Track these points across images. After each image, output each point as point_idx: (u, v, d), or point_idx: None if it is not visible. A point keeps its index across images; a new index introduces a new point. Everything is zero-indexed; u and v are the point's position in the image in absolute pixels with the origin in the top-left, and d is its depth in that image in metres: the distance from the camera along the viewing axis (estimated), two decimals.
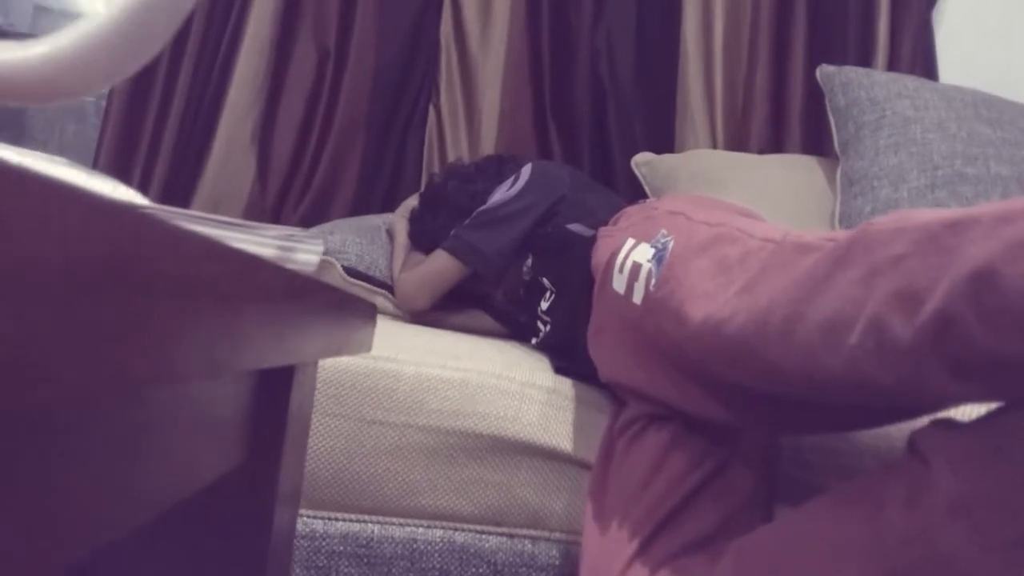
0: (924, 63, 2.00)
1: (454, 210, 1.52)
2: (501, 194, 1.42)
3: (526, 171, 1.44)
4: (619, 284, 0.97)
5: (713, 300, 0.78)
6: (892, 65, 1.97)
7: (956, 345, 0.57)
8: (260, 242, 0.32)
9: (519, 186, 1.41)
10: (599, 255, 1.11)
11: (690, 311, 0.80)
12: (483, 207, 1.43)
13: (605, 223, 1.22)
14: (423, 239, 1.59)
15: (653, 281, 0.89)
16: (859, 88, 1.67)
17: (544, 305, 1.31)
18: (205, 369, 0.26)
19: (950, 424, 0.67)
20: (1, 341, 0.15)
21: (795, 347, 0.68)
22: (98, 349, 0.19)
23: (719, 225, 0.90)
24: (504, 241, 1.37)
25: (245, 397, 0.46)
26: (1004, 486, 0.60)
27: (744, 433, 0.92)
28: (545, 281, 1.31)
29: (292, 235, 0.33)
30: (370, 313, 0.61)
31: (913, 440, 0.68)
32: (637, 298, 0.92)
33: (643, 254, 0.95)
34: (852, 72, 1.73)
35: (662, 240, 0.93)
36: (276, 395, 0.49)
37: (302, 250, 0.33)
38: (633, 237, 1.01)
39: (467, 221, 1.43)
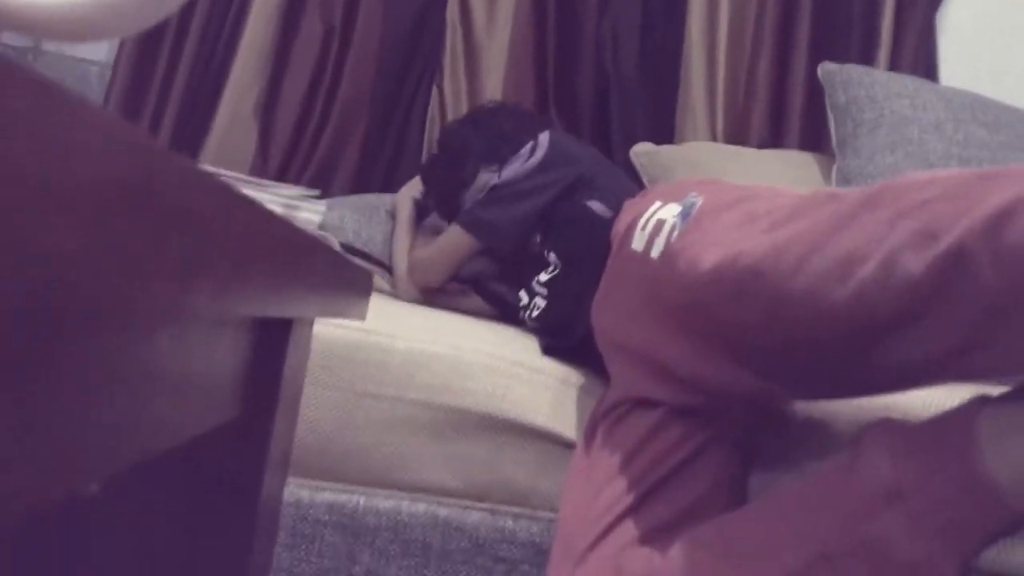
0: (926, 64, 2.01)
1: (486, 137, 1.51)
2: (518, 165, 1.40)
3: (544, 141, 1.42)
4: (639, 243, 0.97)
5: (733, 246, 0.79)
6: (894, 65, 1.99)
7: (963, 283, 0.60)
8: (266, 198, 0.33)
9: (536, 158, 1.39)
10: (621, 223, 1.11)
11: (707, 256, 0.81)
12: (499, 181, 1.42)
13: (622, 202, 1.23)
14: (450, 160, 1.55)
15: (675, 233, 0.90)
16: (859, 86, 1.68)
17: (543, 277, 1.31)
18: (211, 309, 0.27)
19: (892, 421, 0.70)
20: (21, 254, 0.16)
21: (807, 276, 0.70)
22: (116, 277, 0.20)
23: (750, 188, 0.92)
24: (519, 216, 1.36)
25: (242, 351, 0.47)
26: (937, 477, 0.64)
27: (725, 415, 0.94)
28: (552, 256, 1.31)
29: (298, 195, 0.34)
30: (366, 283, 0.63)
31: (859, 434, 0.71)
32: (656, 252, 0.92)
33: (669, 211, 0.95)
34: (853, 70, 1.74)
35: (691, 199, 0.94)
36: (272, 351, 0.51)
37: (306, 209, 0.34)
38: (660, 199, 1.02)
39: (482, 196, 1.43)
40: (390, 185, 1.99)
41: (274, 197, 0.34)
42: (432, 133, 2.05)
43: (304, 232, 0.34)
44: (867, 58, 1.98)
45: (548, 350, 1.18)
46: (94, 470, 0.30)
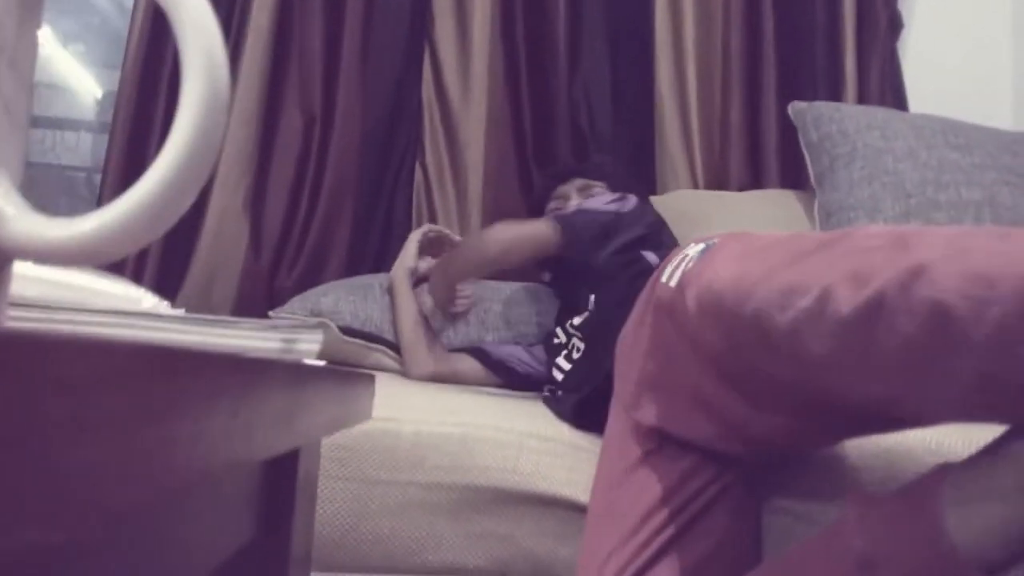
0: (893, 93, 2.06)
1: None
2: (602, 201, 1.49)
3: (633, 199, 1.54)
4: (666, 275, 1.00)
5: (713, 273, 0.83)
6: (862, 97, 2.03)
7: (881, 332, 0.62)
8: (265, 337, 0.35)
9: (626, 205, 1.50)
10: (664, 262, 1.15)
11: (701, 278, 0.85)
12: (584, 205, 1.48)
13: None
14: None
15: (690, 264, 0.93)
16: (830, 122, 1.72)
17: (576, 320, 1.36)
18: (225, 460, 0.29)
19: (869, 495, 0.73)
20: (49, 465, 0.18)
21: (755, 303, 0.73)
22: (140, 462, 0.22)
23: (773, 233, 0.96)
24: (597, 234, 1.39)
25: (256, 475, 0.49)
26: (905, 547, 0.66)
27: (746, 460, 0.96)
28: (591, 298, 1.35)
29: (293, 326, 0.36)
30: (369, 384, 0.64)
31: (843, 504, 0.74)
32: (673, 281, 0.95)
33: (694, 249, 0.99)
34: (823, 107, 1.78)
35: (714, 240, 0.97)
36: (284, 470, 0.52)
37: (303, 340, 0.36)
38: (695, 242, 1.05)
39: (567, 211, 1.51)
40: (381, 265, 2.02)
41: (271, 334, 0.35)
42: (420, 210, 2.09)
43: (306, 366, 0.36)
44: (835, 94, 2.03)
45: (578, 418, 1.18)
46: None
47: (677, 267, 0.97)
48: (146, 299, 0.43)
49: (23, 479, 0.15)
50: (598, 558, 0.95)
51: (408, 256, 1.70)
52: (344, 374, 0.50)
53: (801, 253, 0.74)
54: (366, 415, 0.64)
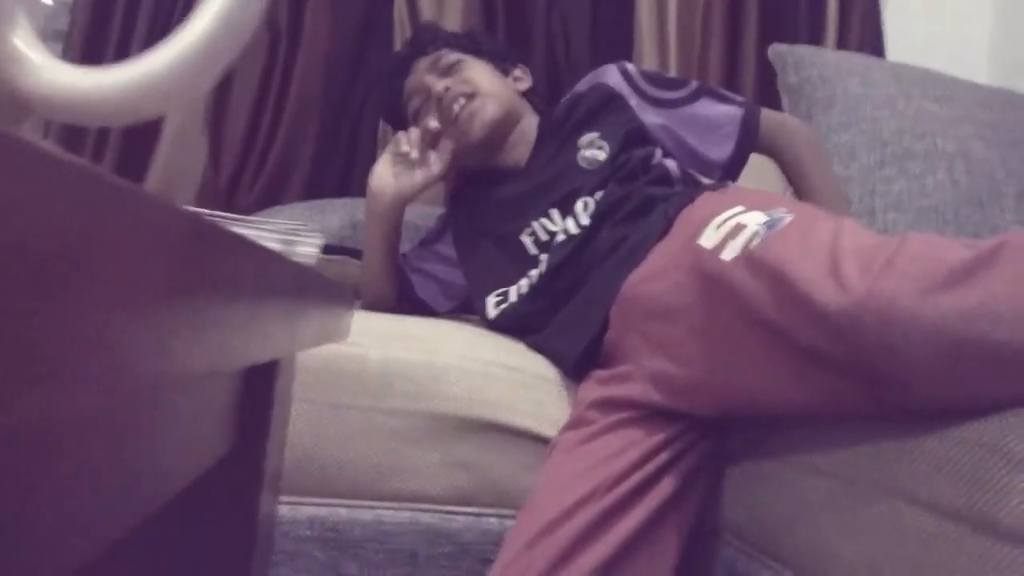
0: (872, 41, 2.04)
1: None
2: None
3: None
4: (708, 240, 0.92)
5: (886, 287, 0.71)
6: (842, 44, 2.01)
7: None
8: (262, 236, 0.32)
9: None
10: (693, 213, 1.06)
11: (797, 274, 0.75)
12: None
13: (692, 178, 1.25)
14: None
15: (756, 242, 0.84)
16: (810, 66, 1.70)
17: (552, 228, 1.24)
18: (219, 361, 0.26)
19: None
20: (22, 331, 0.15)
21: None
22: (132, 340, 0.19)
23: (839, 220, 0.86)
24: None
25: (234, 387, 0.46)
26: None
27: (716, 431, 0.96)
28: (580, 203, 1.22)
29: (293, 229, 0.33)
30: (349, 301, 0.62)
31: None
32: (727, 255, 0.87)
33: (752, 219, 0.90)
34: (803, 50, 1.76)
35: (780, 214, 0.89)
36: (262, 383, 0.49)
37: (303, 243, 0.33)
38: (743, 204, 0.96)
39: None
40: (345, 188, 1.97)
41: (269, 233, 0.33)
42: (385, 135, 2.03)
43: (304, 268, 0.33)
44: (815, 38, 2.01)
45: (579, 368, 1.11)
46: (104, 533, 0.29)
47: (731, 237, 0.88)
48: None
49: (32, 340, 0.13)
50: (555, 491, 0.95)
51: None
52: (332, 287, 0.47)
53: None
54: (345, 334, 0.61)
